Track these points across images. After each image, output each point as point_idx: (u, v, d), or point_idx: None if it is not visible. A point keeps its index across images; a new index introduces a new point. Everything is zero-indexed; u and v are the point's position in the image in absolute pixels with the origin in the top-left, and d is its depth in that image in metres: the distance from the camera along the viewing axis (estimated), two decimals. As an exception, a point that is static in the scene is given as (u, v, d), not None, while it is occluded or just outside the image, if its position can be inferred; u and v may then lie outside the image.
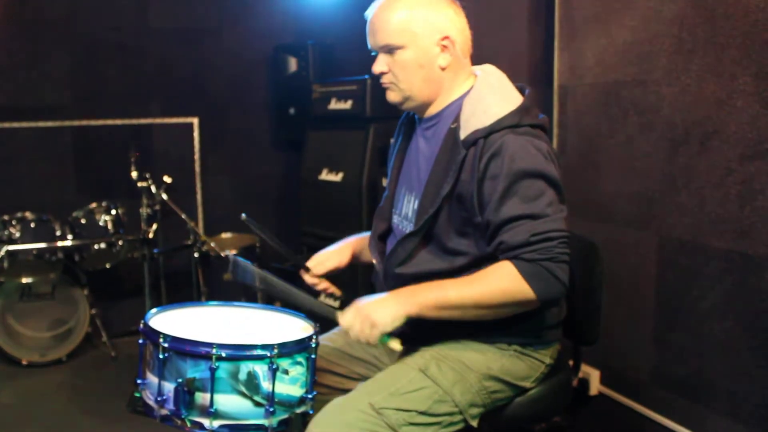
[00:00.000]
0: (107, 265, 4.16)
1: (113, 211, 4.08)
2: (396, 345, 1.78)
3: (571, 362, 2.18)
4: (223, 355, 1.60)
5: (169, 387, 1.63)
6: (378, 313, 1.72)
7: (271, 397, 1.63)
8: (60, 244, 3.91)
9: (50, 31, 4.38)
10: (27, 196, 4.31)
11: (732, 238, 2.43)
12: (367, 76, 3.80)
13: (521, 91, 1.89)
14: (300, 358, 1.70)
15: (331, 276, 2.18)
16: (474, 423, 1.83)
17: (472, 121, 1.79)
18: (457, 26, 1.88)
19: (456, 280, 1.77)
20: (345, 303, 1.85)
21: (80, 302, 4.04)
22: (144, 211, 4.12)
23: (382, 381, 1.80)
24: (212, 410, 1.61)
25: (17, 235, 3.85)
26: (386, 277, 1.97)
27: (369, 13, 1.92)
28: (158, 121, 4.74)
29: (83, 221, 4.01)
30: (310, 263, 2.16)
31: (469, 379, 1.83)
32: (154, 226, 4.10)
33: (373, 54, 1.94)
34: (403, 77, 1.89)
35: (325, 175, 4.06)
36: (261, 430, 1.64)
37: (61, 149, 4.50)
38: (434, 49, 1.86)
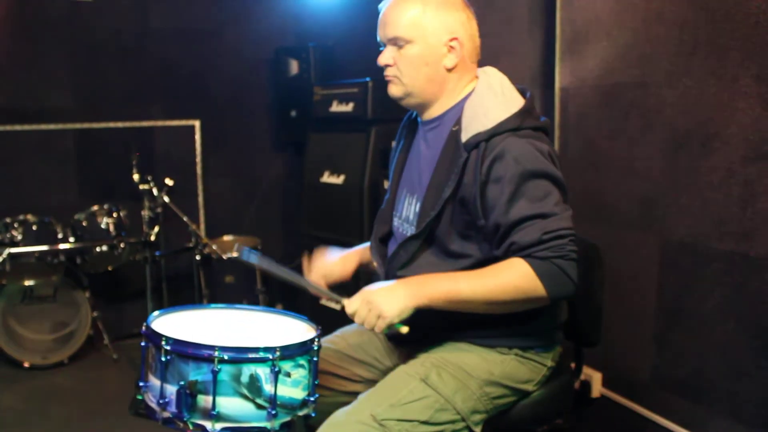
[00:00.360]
0: (109, 268, 4.16)
1: (115, 214, 4.09)
2: (402, 329, 1.77)
3: (572, 364, 2.18)
4: (226, 357, 1.60)
5: (171, 389, 1.64)
6: (386, 304, 1.72)
7: (273, 400, 1.64)
8: (62, 246, 3.91)
9: (51, 34, 4.39)
10: (29, 199, 4.32)
11: (734, 240, 2.43)
12: (368, 79, 3.80)
13: (523, 93, 1.90)
14: (302, 361, 1.70)
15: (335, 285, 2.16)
16: (477, 430, 1.82)
17: (473, 124, 1.80)
18: (467, 31, 1.88)
19: (467, 273, 1.77)
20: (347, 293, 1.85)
21: (82, 305, 4.05)
22: (146, 213, 4.13)
23: (383, 391, 1.80)
24: (214, 413, 1.61)
25: (19, 237, 3.86)
26: (387, 279, 1.97)
27: (383, 6, 1.93)
28: (160, 123, 4.75)
29: (85, 224, 4.02)
30: (313, 276, 2.13)
31: (470, 386, 1.82)
32: (156, 229, 4.11)
33: (381, 48, 1.94)
34: (407, 72, 1.89)
35: (327, 178, 4.06)
36: (263, 432, 1.64)
37: (62, 152, 4.51)
38: (441, 49, 1.86)
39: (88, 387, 3.81)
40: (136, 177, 4.13)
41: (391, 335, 2.03)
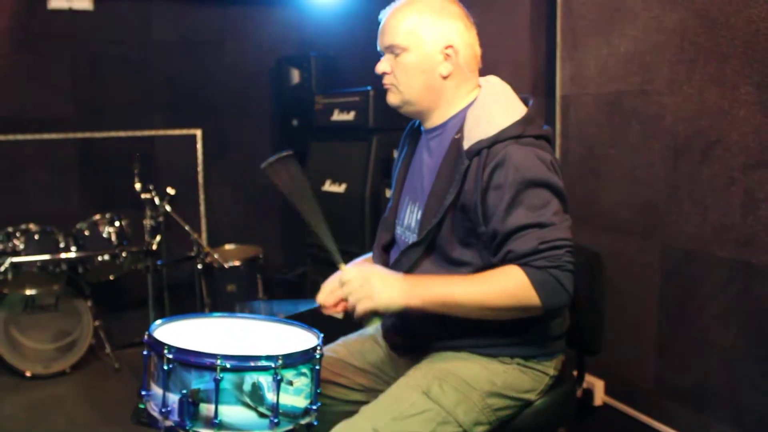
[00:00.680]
0: (111, 277, 4.16)
1: (117, 223, 4.09)
2: (372, 322, 1.77)
3: (575, 373, 2.18)
4: (228, 366, 1.60)
5: (173, 398, 1.63)
6: (379, 290, 1.72)
7: (275, 408, 1.63)
8: (64, 255, 3.91)
9: (54, 44, 4.41)
10: (31, 208, 4.32)
11: (735, 247, 2.43)
12: (369, 88, 3.81)
13: (525, 102, 1.90)
14: (304, 369, 1.70)
15: None
16: None
17: (475, 132, 1.80)
18: (464, 39, 1.89)
19: (463, 277, 1.76)
20: (349, 313, 1.85)
21: (84, 314, 4.04)
22: (147, 222, 4.14)
23: (385, 405, 1.79)
24: (217, 421, 1.60)
25: (21, 246, 3.86)
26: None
27: (383, 15, 1.95)
28: (161, 132, 4.76)
29: (87, 233, 4.02)
30: (320, 296, 2.10)
31: (472, 398, 1.81)
32: (158, 238, 4.11)
33: (381, 57, 1.95)
34: (404, 80, 1.90)
35: (328, 187, 4.07)
36: (265, 441, 1.64)
37: (64, 161, 4.52)
38: (437, 57, 1.87)
39: (89, 396, 3.80)
40: (137, 186, 4.14)
41: (394, 342, 2.02)
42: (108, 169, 4.58)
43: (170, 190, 4.19)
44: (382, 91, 1.99)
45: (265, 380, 1.63)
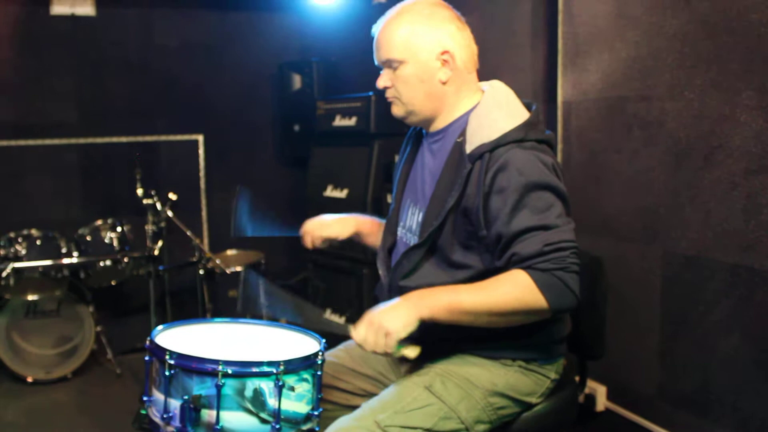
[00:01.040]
0: (113, 282, 4.16)
1: (119, 228, 4.09)
2: (412, 352, 1.76)
3: (577, 377, 2.18)
4: (230, 371, 1.60)
5: (175, 404, 1.64)
6: (390, 321, 1.71)
7: (277, 414, 1.63)
8: (66, 261, 3.92)
9: (56, 50, 4.42)
10: (33, 214, 4.33)
11: (737, 253, 2.42)
12: (371, 93, 3.82)
13: (528, 107, 1.91)
14: (306, 375, 1.70)
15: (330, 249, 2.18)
16: None
17: (478, 135, 1.81)
18: (458, 42, 1.90)
19: (469, 285, 1.77)
20: (351, 319, 1.85)
21: (86, 319, 4.05)
22: (149, 228, 4.13)
23: (388, 399, 1.80)
24: (218, 427, 1.61)
25: (23, 252, 3.86)
26: (390, 289, 1.98)
27: (375, 29, 1.96)
28: (164, 138, 4.76)
29: (89, 238, 4.03)
30: (310, 225, 2.17)
31: (474, 395, 1.82)
32: (160, 243, 4.11)
33: (380, 71, 1.97)
34: (405, 92, 1.91)
35: (330, 192, 4.07)
36: (267, 447, 1.64)
37: (66, 167, 4.53)
38: (434, 64, 1.88)
39: (91, 402, 3.80)
40: (139, 191, 4.14)
41: (402, 359, 2.03)
42: (110, 175, 4.58)
43: (172, 196, 4.19)
44: (383, 97, 2.01)
45: (266, 386, 1.63)
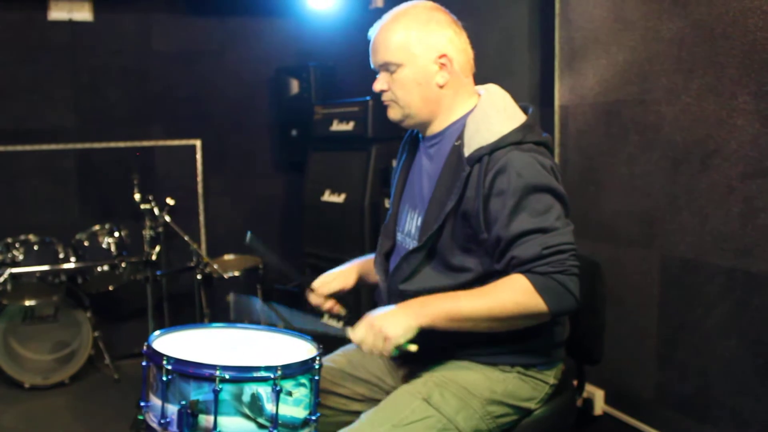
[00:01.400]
0: (110, 288, 4.16)
1: (116, 234, 4.09)
2: (411, 348, 1.77)
3: (575, 382, 2.17)
4: (227, 377, 1.60)
5: (172, 409, 1.63)
6: (390, 326, 1.71)
7: (274, 419, 1.63)
8: (63, 266, 3.91)
9: (54, 55, 4.42)
10: (30, 219, 4.32)
11: (734, 256, 2.43)
12: (368, 98, 3.82)
13: (525, 110, 1.91)
14: (303, 380, 1.70)
15: (336, 296, 2.18)
16: None
17: (476, 139, 1.81)
18: (456, 46, 1.90)
19: (468, 291, 1.77)
20: (349, 322, 1.85)
21: (83, 324, 4.04)
22: (147, 233, 4.13)
23: (385, 411, 1.79)
24: (216, 432, 1.60)
25: (20, 257, 3.86)
26: (390, 293, 1.98)
27: (372, 33, 1.96)
28: (161, 143, 4.76)
29: (86, 243, 4.02)
30: (315, 284, 2.16)
31: (472, 405, 1.81)
32: (157, 248, 4.11)
33: (377, 75, 1.97)
34: (402, 95, 1.91)
35: (328, 197, 4.07)
36: (265, 452, 1.64)
37: (64, 172, 4.52)
38: (432, 67, 1.88)
39: (89, 407, 3.79)
40: (137, 196, 4.14)
41: (400, 356, 2.03)
42: (107, 180, 4.58)
43: (170, 201, 4.19)
44: (380, 102, 2.01)
45: (264, 391, 1.62)
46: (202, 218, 4.91)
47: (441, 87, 1.90)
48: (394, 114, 1.97)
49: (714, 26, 2.46)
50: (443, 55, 1.87)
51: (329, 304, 2.16)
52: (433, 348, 1.89)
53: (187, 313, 4.38)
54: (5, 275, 3.74)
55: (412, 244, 1.95)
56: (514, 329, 1.79)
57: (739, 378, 2.44)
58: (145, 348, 1.73)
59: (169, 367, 1.62)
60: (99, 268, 4.00)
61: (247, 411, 1.61)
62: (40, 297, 3.90)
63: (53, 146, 4.47)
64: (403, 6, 1.95)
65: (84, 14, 4.45)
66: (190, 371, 1.61)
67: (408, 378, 1.92)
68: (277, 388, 1.62)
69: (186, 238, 4.12)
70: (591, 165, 3.06)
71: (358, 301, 3.70)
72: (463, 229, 1.82)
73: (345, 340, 1.84)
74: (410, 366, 1.98)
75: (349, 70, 4.65)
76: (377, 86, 1.95)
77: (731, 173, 2.42)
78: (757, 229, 2.34)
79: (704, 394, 2.59)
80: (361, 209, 3.80)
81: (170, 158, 4.79)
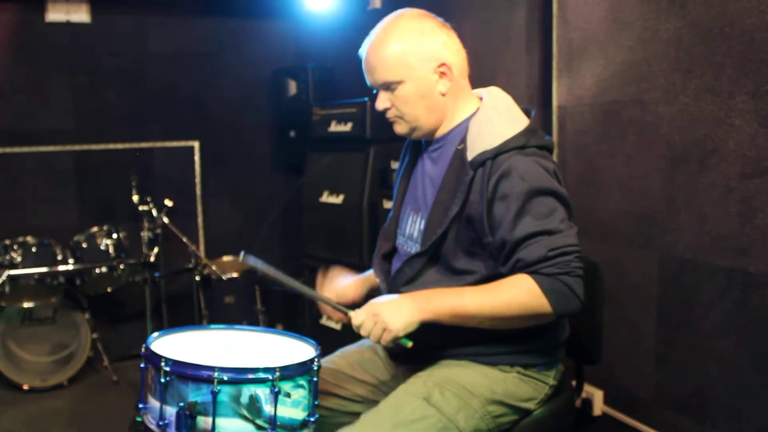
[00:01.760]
0: (108, 289, 4.16)
1: (114, 235, 4.09)
2: (407, 343, 1.77)
3: (574, 382, 2.18)
4: (225, 378, 1.59)
5: (170, 411, 1.63)
6: (392, 318, 1.72)
7: (273, 421, 1.63)
8: (61, 268, 3.91)
9: (52, 56, 4.42)
10: (28, 221, 4.32)
11: (733, 256, 2.43)
12: (366, 99, 3.82)
13: (527, 113, 1.91)
14: (302, 381, 1.70)
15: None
16: None
17: (479, 143, 1.81)
18: (451, 50, 1.89)
19: (473, 288, 1.77)
20: (346, 325, 1.85)
21: (81, 326, 4.04)
22: (145, 234, 4.13)
23: (385, 411, 1.79)
24: (214, 434, 1.60)
25: (18, 259, 3.85)
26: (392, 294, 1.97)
27: (363, 51, 1.93)
28: (159, 144, 4.76)
29: (84, 245, 4.02)
30: (326, 293, 2.12)
31: (472, 404, 1.81)
32: (156, 250, 4.11)
33: (374, 92, 1.95)
34: (407, 110, 1.90)
35: (326, 198, 4.07)
36: (263, 453, 1.63)
37: (62, 173, 4.52)
38: (432, 77, 1.87)
39: (87, 409, 3.79)
40: (135, 198, 4.14)
41: (394, 350, 2.03)
42: (106, 182, 4.58)
43: (168, 202, 4.19)
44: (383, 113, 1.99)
45: (262, 392, 1.62)
46: (200, 219, 4.91)
47: (444, 95, 1.89)
48: (401, 129, 1.96)
49: (712, 26, 2.46)
50: (442, 64, 1.86)
51: (339, 315, 2.11)
52: (433, 347, 1.89)
53: (185, 314, 4.37)
54: (3, 277, 3.74)
55: (414, 247, 1.95)
56: (515, 329, 1.79)
57: (738, 378, 2.44)
58: (143, 350, 1.73)
59: (168, 369, 1.62)
60: (97, 270, 4.00)
61: (245, 412, 1.61)
62: (39, 299, 3.89)
63: (51, 148, 4.47)
64: (390, 19, 1.91)
65: (81, 15, 4.45)
66: (189, 373, 1.61)
67: (407, 378, 1.92)
68: (276, 390, 1.62)
69: (184, 239, 4.11)
70: (589, 165, 3.06)
71: (356, 304, 3.69)
72: (467, 233, 1.82)
73: (343, 341, 1.84)
74: (410, 366, 1.98)
75: (348, 71, 4.65)
76: (380, 105, 1.93)
77: (729, 173, 2.42)
78: (756, 228, 2.34)
79: (703, 394, 2.59)
80: (360, 210, 3.80)
81: (168, 159, 4.79)
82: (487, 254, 1.81)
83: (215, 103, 4.87)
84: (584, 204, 3.05)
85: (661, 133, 2.69)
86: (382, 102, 1.93)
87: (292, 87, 4.74)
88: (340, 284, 2.18)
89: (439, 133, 1.96)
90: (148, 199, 4.18)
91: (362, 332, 1.76)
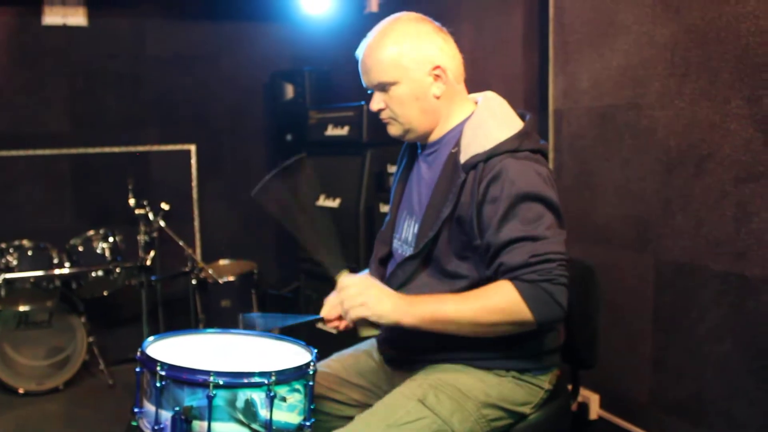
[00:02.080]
0: (105, 293, 4.15)
1: (111, 239, 4.08)
2: (372, 331, 1.77)
3: (569, 386, 2.17)
4: (221, 382, 1.59)
5: (166, 415, 1.63)
6: (375, 300, 1.73)
7: (269, 425, 1.63)
8: (57, 271, 3.90)
9: (49, 60, 4.42)
10: (25, 224, 4.32)
11: (728, 260, 2.43)
12: (363, 102, 3.82)
13: (522, 117, 1.91)
14: (298, 386, 1.70)
15: None
16: None
17: (472, 146, 1.81)
18: (447, 54, 1.90)
19: (455, 295, 1.77)
20: (345, 331, 1.85)
21: (77, 330, 4.02)
22: (142, 238, 4.13)
23: (380, 412, 1.79)
24: (210, 438, 1.60)
25: (14, 263, 3.85)
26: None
27: (359, 53, 1.94)
28: (156, 148, 4.76)
29: (81, 249, 4.01)
30: (323, 313, 2.11)
31: (467, 407, 1.81)
32: (152, 253, 4.10)
33: (369, 92, 1.96)
34: (401, 111, 1.91)
35: (323, 201, 4.07)
36: (259, 458, 1.63)
37: (58, 177, 4.52)
38: (427, 80, 1.88)
39: (83, 413, 3.78)
40: (131, 201, 4.14)
41: (387, 354, 2.03)
42: (102, 185, 4.57)
43: (164, 206, 4.19)
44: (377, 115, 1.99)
45: (258, 397, 1.62)
46: (196, 223, 4.91)
47: (438, 98, 1.90)
48: (394, 131, 1.96)
49: (707, 31, 2.47)
50: (437, 67, 1.87)
51: (343, 324, 2.10)
52: (428, 351, 1.89)
53: (181, 318, 4.37)
54: (-1, 281, 3.73)
55: (408, 251, 1.95)
56: (500, 335, 1.79)
57: (734, 382, 2.44)
58: (138, 354, 1.73)
59: (163, 373, 1.62)
60: (93, 274, 3.99)
61: (241, 417, 1.61)
62: (35, 302, 3.88)
63: (48, 151, 4.46)
64: (387, 21, 1.93)
65: (78, 19, 4.45)
66: (184, 377, 1.61)
67: (403, 383, 1.92)
68: (272, 394, 1.62)
69: (181, 243, 4.11)
70: (585, 169, 3.06)
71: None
72: (458, 236, 1.82)
73: (339, 345, 1.84)
74: (405, 370, 1.98)
75: (344, 74, 4.65)
76: (374, 106, 1.94)
77: (725, 177, 2.43)
78: (751, 233, 2.34)
79: (699, 398, 2.59)
80: (356, 214, 3.80)
81: (165, 163, 4.79)
82: (478, 258, 1.81)
83: (212, 106, 4.87)
84: (580, 207, 3.05)
85: (657, 137, 2.70)
86: (377, 103, 1.93)
87: (289, 91, 4.74)
88: (333, 296, 2.17)
89: (434, 137, 1.96)
90: (145, 203, 4.17)
91: (342, 293, 1.77)
